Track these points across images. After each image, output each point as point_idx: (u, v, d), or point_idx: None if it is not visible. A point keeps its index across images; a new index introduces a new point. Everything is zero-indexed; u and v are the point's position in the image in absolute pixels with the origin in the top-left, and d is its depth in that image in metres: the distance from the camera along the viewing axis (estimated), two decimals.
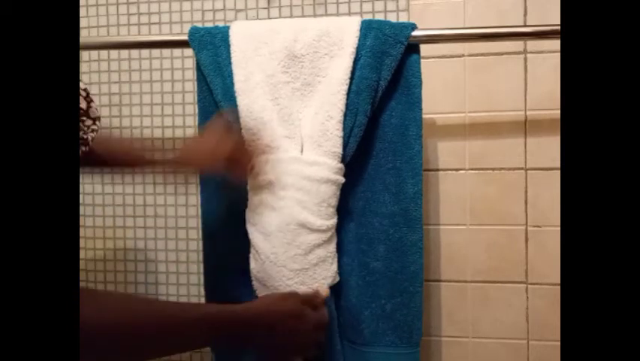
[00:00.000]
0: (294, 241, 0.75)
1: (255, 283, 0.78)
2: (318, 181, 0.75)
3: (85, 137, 0.52)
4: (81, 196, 1.07)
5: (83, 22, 1.04)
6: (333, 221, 0.77)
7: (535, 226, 0.93)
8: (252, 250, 0.78)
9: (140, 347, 0.54)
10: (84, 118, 0.52)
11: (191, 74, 1.01)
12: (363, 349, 0.81)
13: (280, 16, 0.98)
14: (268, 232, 0.75)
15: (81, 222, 1.07)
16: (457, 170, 0.95)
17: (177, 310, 0.61)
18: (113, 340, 0.51)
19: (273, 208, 0.76)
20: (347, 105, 0.77)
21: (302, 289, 0.74)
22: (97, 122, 0.53)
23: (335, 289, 0.80)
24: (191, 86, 1.01)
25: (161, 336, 0.56)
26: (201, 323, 0.60)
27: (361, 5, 0.95)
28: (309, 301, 0.69)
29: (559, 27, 0.77)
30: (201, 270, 0.95)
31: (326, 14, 0.96)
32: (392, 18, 0.94)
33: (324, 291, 0.73)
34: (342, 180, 0.77)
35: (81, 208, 1.07)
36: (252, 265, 0.78)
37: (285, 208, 0.75)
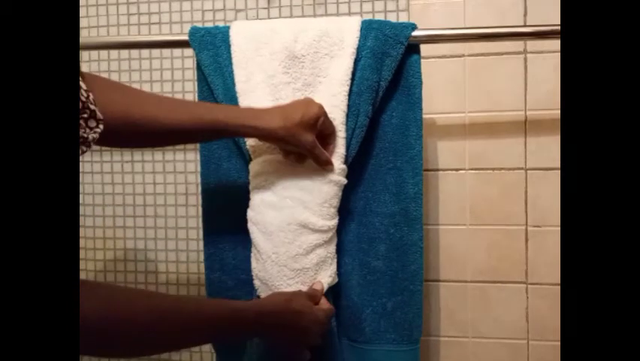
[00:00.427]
0: (295, 240, 0.75)
1: (256, 283, 0.78)
2: (320, 182, 0.75)
3: (85, 136, 0.52)
4: (81, 196, 1.07)
5: (83, 22, 1.04)
6: (335, 222, 0.77)
7: (535, 226, 0.93)
8: (254, 250, 0.78)
9: (151, 339, 0.55)
10: (90, 119, 0.52)
11: (191, 74, 1.01)
12: (365, 347, 0.81)
13: (280, 16, 0.98)
14: (269, 231, 0.75)
15: (81, 222, 1.07)
16: (457, 170, 0.95)
17: (188, 305, 0.62)
18: (117, 332, 0.51)
19: (274, 208, 0.76)
20: (349, 106, 0.77)
21: (302, 289, 0.74)
22: (100, 125, 0.53)
23: (336, 288, 0.80)
24: (192, 86, 1.01)
25: (169, 331, 0.56)
26: (214, 318, 0.61)
27: (361, 5, 0.95)
28: (313, 298, 0.72)
29: (559, 27, 0.77)
30: (201, 270, 0.95)
31: (326, 14, 0.96)
32: (392, 18, 0.94)
33: (320, 286, 0.75)
34: (345, 181, 0.77)
35: (81, 208, 1.07)
36: (254, 264, 0.78)
37: (286, 208, 0.75)
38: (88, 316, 0.45)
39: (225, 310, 0.63)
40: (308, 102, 0.74)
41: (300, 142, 0.72)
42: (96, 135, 0.53)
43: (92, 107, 0.52)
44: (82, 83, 0.52)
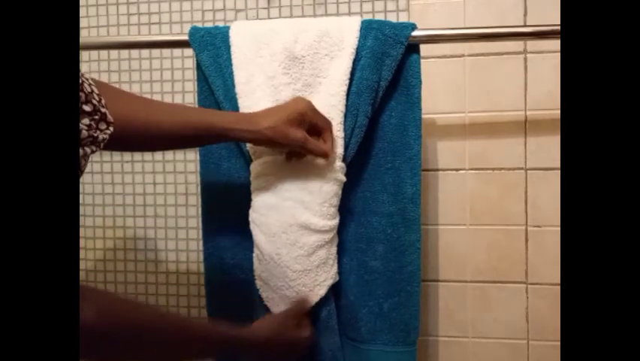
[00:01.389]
0: (297, 241, 0.75)
1: (258, 283, 0.78)
2: (320, 181, 0.75)
3: (96, 135, 0.53)
4: (81, 196, 1.07)
5: (83, 22, 1.04)
6: (335, 221, 0.77)
7: (535, 226, 0.93)
8: (257, 251, 0.78)
9: (141, 352, 0.55)
10: (101, 121, 0.53)
11: (191, 74, 1.01)
12: (361, 346, 0.82)
13: (280, 16, 0.98)
14: (272, 233, 0.76)
15: (81, 222, 1.07)
16: (456, 170, 0.95)
17: (179, 322, 0.64)
18: (117, 342, 0.51)
19: (276, 209, 0.76)
20: (347, 106, 0.77)
21: (303, 290, 0.75)
22: (110, 127, 0.55)
23: (335, 287, 0.80)
24: (191, 86, 1.01)
25: (159, 346, 0.57)
26: (203, 338, 0.63)
27: (361, 5, 0.95)
28: (295, 316, 0.74)
29: (559, 27, 0.77)
30: (201, 270, 0.95)
31: (326, 14, 0.96)
32: (392, 18, 0.94)
33: (307, 303, 0.76)
34: (344, 178, 0.77)
35: (81, 208, 1.07)
36: (256, 265, 0.78)
37: (287, 209, 0.75)
38: (85, 322, 0.45)
39: (222, 333, 0.66)
40: (295, 100, 0.75)
41: (289, 139, 0.71)
42: (106, 136, 0.54)
43: (103, 110, 0.54)
44: (94, 88, 0.53)
